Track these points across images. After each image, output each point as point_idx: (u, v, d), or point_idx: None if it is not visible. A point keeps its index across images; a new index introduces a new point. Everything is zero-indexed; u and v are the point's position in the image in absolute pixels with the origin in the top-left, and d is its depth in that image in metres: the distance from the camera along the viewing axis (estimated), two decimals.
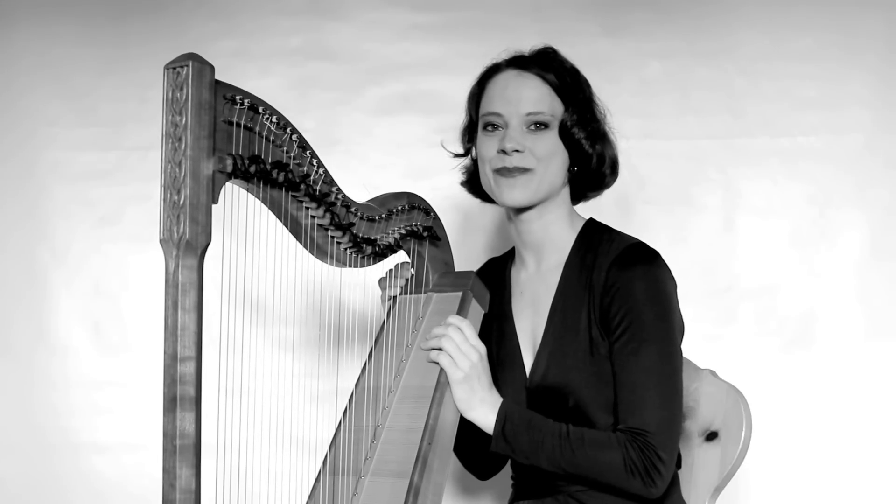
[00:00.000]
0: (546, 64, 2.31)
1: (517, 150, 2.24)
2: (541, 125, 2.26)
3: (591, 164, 2.33)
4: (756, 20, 3.27)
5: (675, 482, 2.27)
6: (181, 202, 1.65)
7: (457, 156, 2.50)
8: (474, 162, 2.46)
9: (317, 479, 2.14)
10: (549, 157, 2.26)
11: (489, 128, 2.31)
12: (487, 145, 2.30)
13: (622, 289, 2.17)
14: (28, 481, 3.50)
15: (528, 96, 2.27)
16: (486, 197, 2.48)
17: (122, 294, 3.52)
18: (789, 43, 3.25)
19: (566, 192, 2.36)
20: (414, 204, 2.30)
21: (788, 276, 3.23)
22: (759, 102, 3.26)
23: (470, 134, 2.45)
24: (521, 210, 2.32)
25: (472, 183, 2.49)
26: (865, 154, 3.19)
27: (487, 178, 2.32)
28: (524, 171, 2.25)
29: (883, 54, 3.19)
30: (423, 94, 3.43)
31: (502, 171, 2.26)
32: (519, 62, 2.33)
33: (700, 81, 3.30)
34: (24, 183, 3.55)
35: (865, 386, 3.16)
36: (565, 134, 2.28)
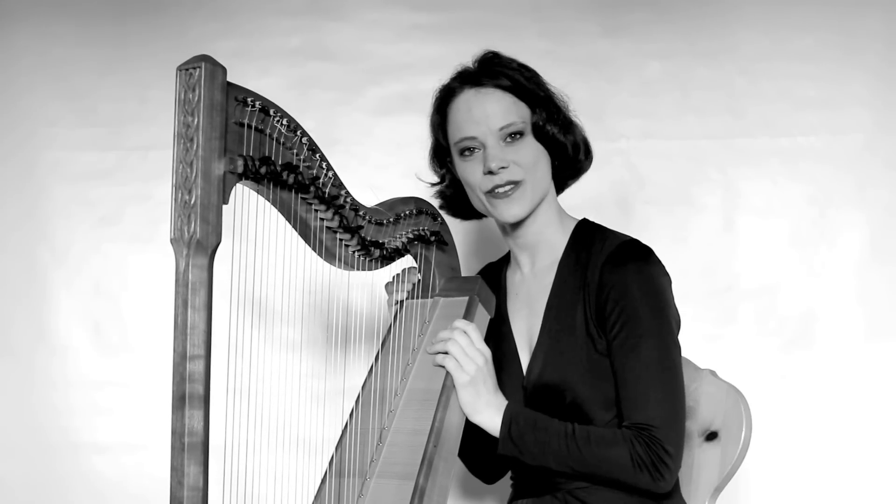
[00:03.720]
0: (496, 72, 2.32)
1: (503, 167, 2.26)
2: (516, 135, 2.29)
3: (568, 154, 2.36)
4: (756, 20, 3.27)
5: (675, 482, 2.27)
6: (192, 202, 1.64)
7: (434, 184, 2.52)
8: (450, 185, 2.47)
9: (322, 481, 2.16)
10: (534, 164, 2.29)
11: (466, 153, 2.33)
12: (470, 170, 2.32)
13: (616, 286, 2.19)
14: (28, 481, 3.49)
15: (495, 111, 2.29)
16: (466, 215, 2.51)
17: (122, 294, 3.51)
18: (789, 43, 3.25)
19: (553, 190, 2.40)
20: (422, 209, 2.31)
21: (788, 276, 3.23)
22: (759, 102, 3.26)
23: (440, 160, 2.46)
24: (517, 221, 2.34)
25: (451, 205, 2.51)
26: (865, 154, 3.20)
27: (480, 202, 2.34)
28: (515, 184, 2.27)
29: (883, 54, 3.19)
30: (423, 94, 3.39)
31: (494, 192, 2.28)
32: (470, 78, 2.35)
33: (700, 81, 3.30)
34: (24, 183, 3.54)
35: (865, 386, 3.16)
36: (541, 135, 2.30)
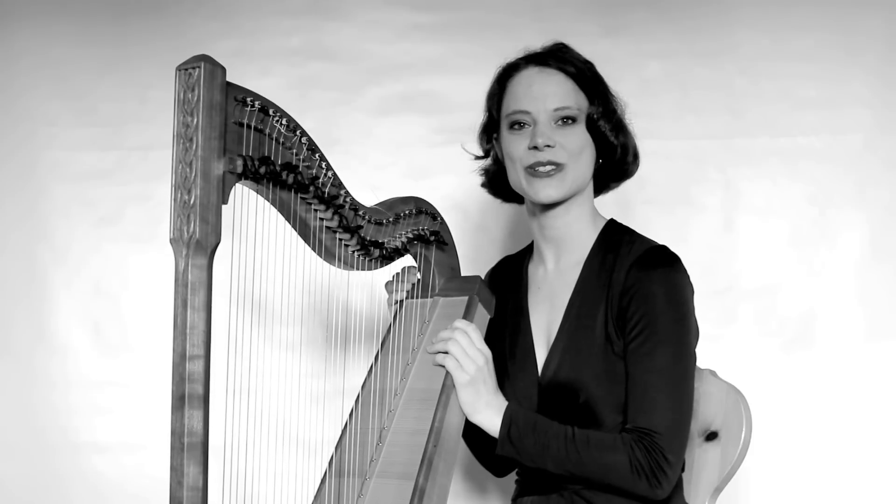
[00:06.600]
0: (564, 59, 2.33)
1: (548, 146, 2.25)
2: (569, 119, 2.28)
3: (616, 156, 2.36)
4: (756, 20, 3.27)
5: (678, 484, 2.27)
6: (191, 202, 1.65)
7: (477, 157, 2.51)
8: (494, 162, 2.47)
9: (322, 481, 2.16)
10: (579, 151, 2.29)
11: (516, 126, 2.32)
12: (516, 144, 2.31)
13: (641, 290, 2.18)
14: (28, 481, 3.49)
15: (554, 91, 2.29)
16: (506, 196, 2.50)
17: (122, 294, 3.52)
18: (789, 43, 3.25)
19: (590, 186, 2.39)
20: (421, 208, 2.31)
21: (788, 276, 3.23)
22: (759, 102, 3.26)
23: (489, 134, 2.45)
24: (548, 206, 2.33)
25: (493, 183, 2.50)
26: (865, 154, 3.19)
27: (517, 177, 2.32)
28: (557, 166, 2.26)
29: (883, 54, 3.19)
30: (423, 94, 3.43)
31: (535, 170, 2.27)
32: (537, 59, 2.35)
33: (700, 81, 3.30)
34: (24, 183, 3.54)
35: (865, 386, 3.16)
36: (592, 127, 2.30)
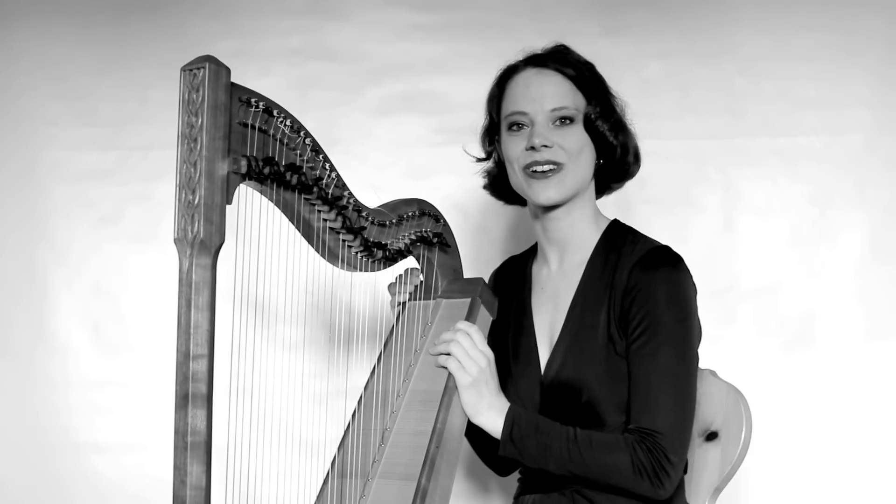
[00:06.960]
0: (563, 59, 2.34)
1: (546, 146, 2.26)
2: (566, 120, 2.29)
3: (616, 155, 2.36)
4: (756, 20, 3.27)
5: (680, 485, 2.27)
6: (196, 202, 1.65)
7: (479, 160, 2.52)
8: (496, 164, 2.47)
9: (325, 481, 2.16)
10: (578, 151, 2.29)
11: (514, 127, 2.33)
12: (514, 145, 2.32)
13: (644, 290, 2.19)
14: (28, 481, 3.49)
15: (552, 92, 2.30)
16: (509, 199, 2.50)
17: (122, 294, 3.51)
18: (789, 43, 3.25)
19: (592, 187, 2.39)
20: (424, 210, 2.31)
21: (788, 276, 3.23)
22: (759, 102, 3.26)
23: (490, 137, 2.46)
24: (549, 208, 2.34)
25: (495, 185, 2.50)
26: (865, 154, 3.19)
27: (518, 179, 2.34)
28: (555, 166, 2.27)
29: (883, 54, 3.19)
30: (423, 94, 3.43)
31: (534, 171, 2.28)
32: (536, 60, 2.36)
33: (700, 81, 3.30)
34: (24, 183, 3.53)
35: (865, 386, 3.16)
36: (590, 127, 2.31)
